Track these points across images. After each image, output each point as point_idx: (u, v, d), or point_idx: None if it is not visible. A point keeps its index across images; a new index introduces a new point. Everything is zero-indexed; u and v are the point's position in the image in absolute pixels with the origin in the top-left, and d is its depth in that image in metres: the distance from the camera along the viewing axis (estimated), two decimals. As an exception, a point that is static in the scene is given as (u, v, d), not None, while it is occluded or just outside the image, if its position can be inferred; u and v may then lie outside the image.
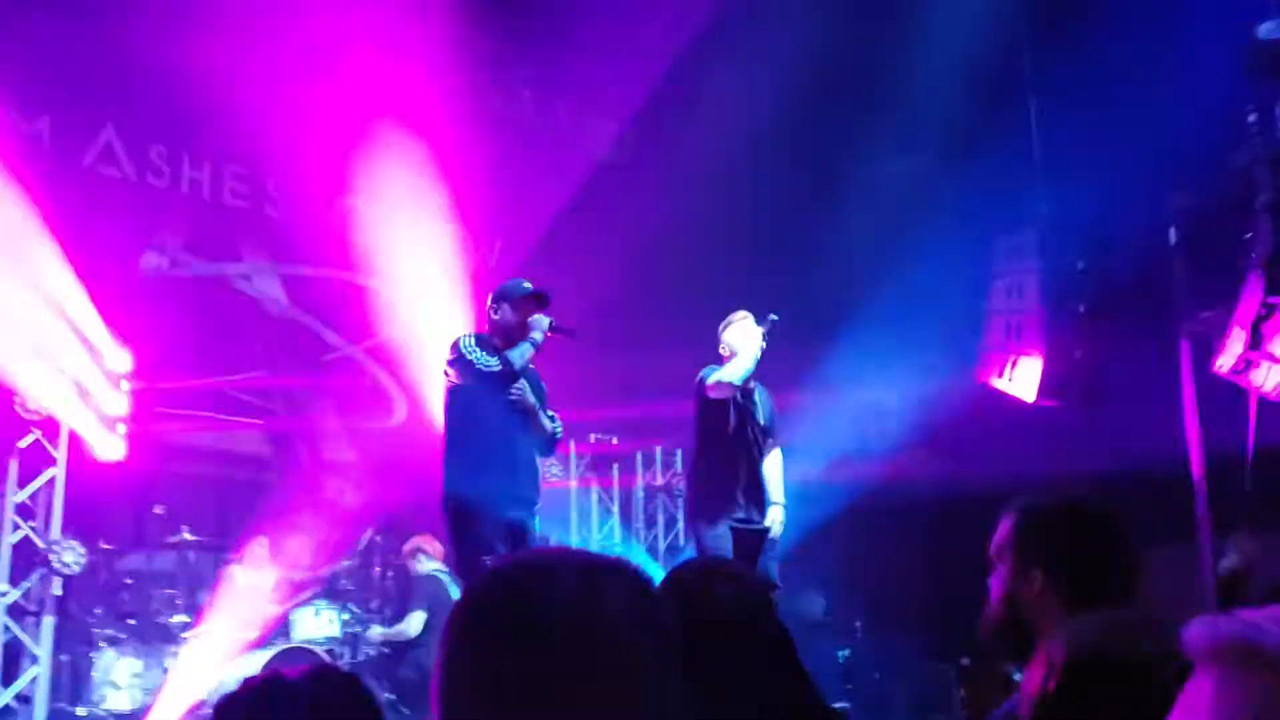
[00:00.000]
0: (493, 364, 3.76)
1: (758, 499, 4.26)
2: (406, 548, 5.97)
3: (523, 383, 3.89)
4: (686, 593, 1.44)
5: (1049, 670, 1.08)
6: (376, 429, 7.36)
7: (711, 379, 4.19)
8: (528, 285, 4.01)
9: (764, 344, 4.17)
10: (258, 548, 5.87)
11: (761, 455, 4.35)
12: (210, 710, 1.21)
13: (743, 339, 4.27)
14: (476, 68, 7.26)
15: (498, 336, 3.91)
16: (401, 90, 6.42)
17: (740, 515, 4.20)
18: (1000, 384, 5.56)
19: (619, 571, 0.82)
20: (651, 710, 0.77)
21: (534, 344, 3.84)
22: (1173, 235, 5.00)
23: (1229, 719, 0.95)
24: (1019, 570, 1.57)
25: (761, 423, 4.34)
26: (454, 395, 3.88)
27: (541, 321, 3.87)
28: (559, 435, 4.09)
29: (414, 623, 5.68)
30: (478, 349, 3.80)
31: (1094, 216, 5.43)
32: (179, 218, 6.87)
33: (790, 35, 6.11)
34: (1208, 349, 4.63)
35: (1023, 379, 5.43)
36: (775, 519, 4.36)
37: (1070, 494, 1.64)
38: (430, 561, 5.91)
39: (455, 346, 3.83)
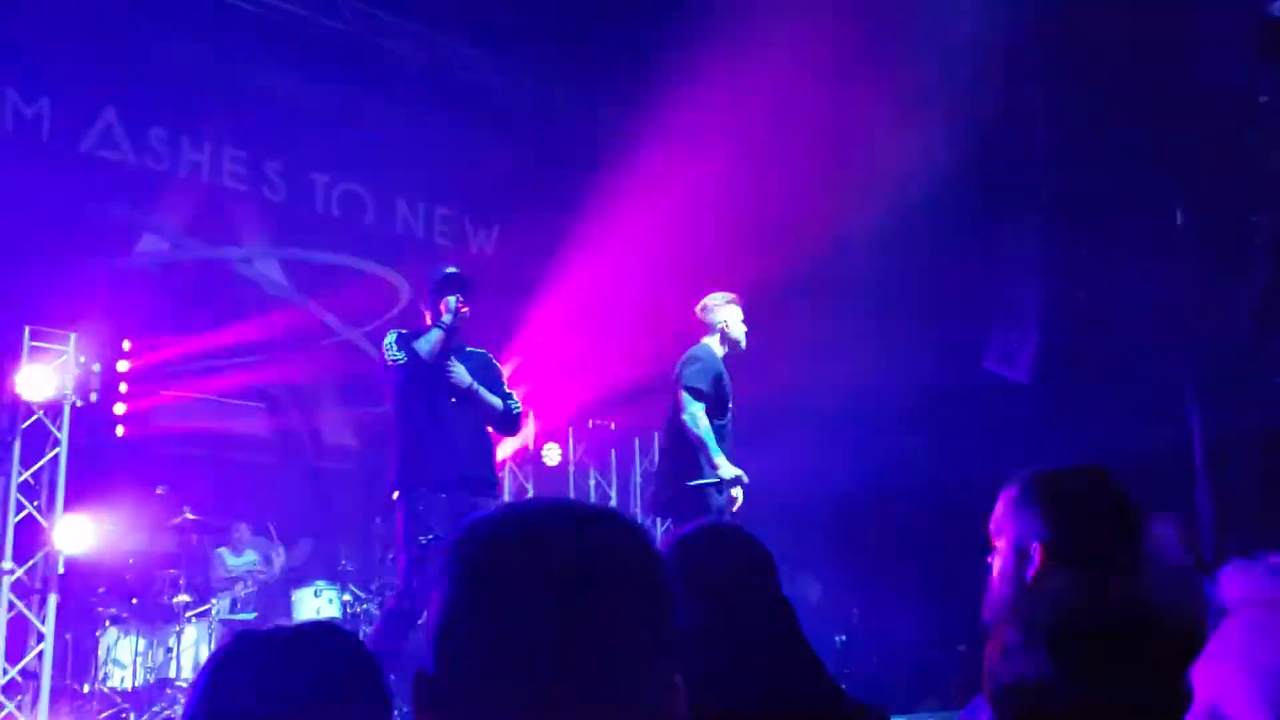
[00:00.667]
0: (399, 357, 3.83)
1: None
2: None
3: (458, 365, 3.91)
4: (691, 554, 1.41)
5: (1010, 629, 1.07)
6: (376, 412, 7.35)
7: (689, 422, 4.04)
8: (450, 270, 4.03)
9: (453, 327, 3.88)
10: (235, 532, 5.89)
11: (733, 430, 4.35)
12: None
13: (734, 320, 4.24)
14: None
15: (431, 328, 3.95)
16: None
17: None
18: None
19: (612, 520, 0.79)
20: (646, 665, 0.73)
21: (442, 327, 3.85)
22: (1179, 217, 4.95)
23: (1258, 656, 0.95)
24: (1018, 545, 1.50)
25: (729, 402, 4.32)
26: (390, 389, 3.98)
27: (450, 303, 3.85)
28: (517, 411, 4.12)
29: None
30: (393, 345, 3.87)
31: (1099, 200, 5.38)
32: (178, 200, 6.86)
33: (794, 18, 6.04)
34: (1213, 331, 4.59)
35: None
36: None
37: (1069, 466, 1.56)
38: None
39: (380, 346, 3.92)
